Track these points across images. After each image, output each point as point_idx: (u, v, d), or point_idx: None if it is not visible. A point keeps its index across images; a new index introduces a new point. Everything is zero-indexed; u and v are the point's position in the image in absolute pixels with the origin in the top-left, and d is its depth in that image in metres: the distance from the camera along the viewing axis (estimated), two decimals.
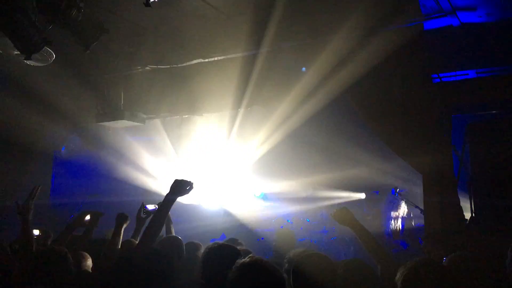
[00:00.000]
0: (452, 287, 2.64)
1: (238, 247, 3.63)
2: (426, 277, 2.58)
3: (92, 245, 4.40)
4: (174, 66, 7.08)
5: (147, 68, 7.22)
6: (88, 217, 4.75)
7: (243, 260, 2.65)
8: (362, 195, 10.06)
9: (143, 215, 4.65)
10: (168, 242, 4.26)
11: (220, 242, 3.55)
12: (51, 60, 5.06)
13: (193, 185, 3.67)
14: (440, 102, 5.87)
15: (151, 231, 3.50)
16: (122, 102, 7.71)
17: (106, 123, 8.30)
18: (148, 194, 11.08)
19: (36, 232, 4.88)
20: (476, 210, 5.63)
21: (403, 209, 9.15)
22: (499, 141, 5.64)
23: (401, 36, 5.56)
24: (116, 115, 7.86)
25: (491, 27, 5.45)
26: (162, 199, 3.67)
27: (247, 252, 3.76)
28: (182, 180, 3.65)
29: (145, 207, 4.52)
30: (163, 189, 11.15)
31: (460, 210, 5.43)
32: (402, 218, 9.43)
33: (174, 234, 4.93)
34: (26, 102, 8.52)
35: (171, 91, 7.25)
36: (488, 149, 5.68)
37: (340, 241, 9.19)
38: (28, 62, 4.65)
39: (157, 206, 4.40)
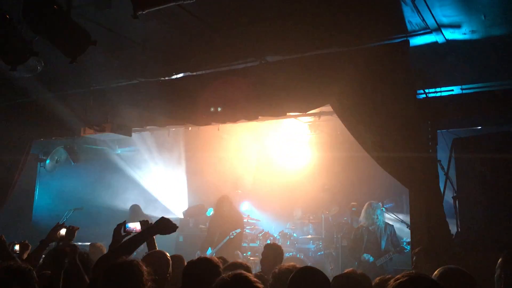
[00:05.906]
0: None
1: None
2: None
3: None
4: (161, 79, 7.07)
5: (135, 81, 7.19)
6: (63, 231, 4.70)
7: (223, 275, 2.62)
8: None
9: (123, 233, 4.49)
10: (155, 256, 4.18)
11: (202, 256, 3.59)
12: (37, 70, 5.02)
13: (176, 229, 3.82)
14: (425, 117, 5.93)
15: (125, 250, 3.56)
16: (108, 114, 7.65)
17: (92, 135, 8.22)
18: (134, 207, 10.95)
19: (16, 247, 4.79)
20: (462, 225, 5.64)
21: None
22: (484, 156, 5.69)
23: (387, 52, 5.63)
24: (102, 127, 7.79)
25: (475, 44, 5.54)
26: (146, 215, 3.69)
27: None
28: (169, 221, 3.80)
29: (127, 226, 4.34)
30: (148, 201, 11.10)
31: (446, 225, 5.44)
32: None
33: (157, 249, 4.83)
34: (11, 113, 8.44)
35: (158, 103, 7.21)
36: (473, 164, 5.72)
37: (326, 256, 9.14)
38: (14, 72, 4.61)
39: (138, 224, 4.31)
